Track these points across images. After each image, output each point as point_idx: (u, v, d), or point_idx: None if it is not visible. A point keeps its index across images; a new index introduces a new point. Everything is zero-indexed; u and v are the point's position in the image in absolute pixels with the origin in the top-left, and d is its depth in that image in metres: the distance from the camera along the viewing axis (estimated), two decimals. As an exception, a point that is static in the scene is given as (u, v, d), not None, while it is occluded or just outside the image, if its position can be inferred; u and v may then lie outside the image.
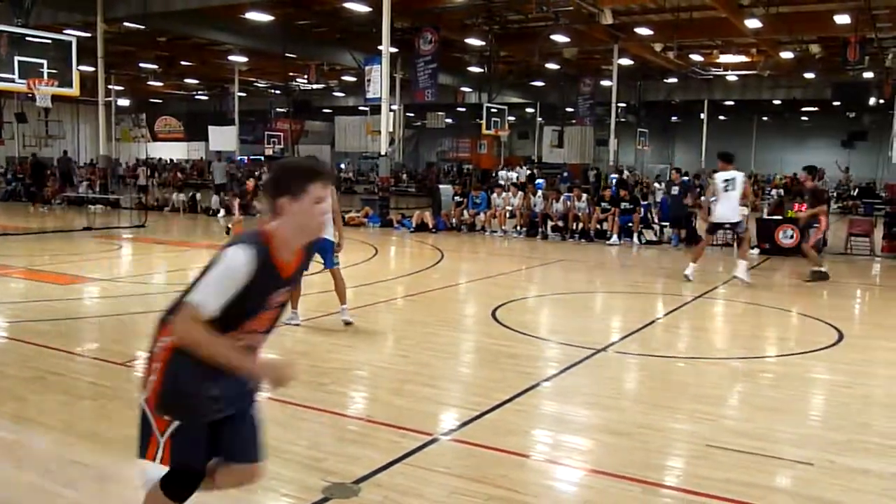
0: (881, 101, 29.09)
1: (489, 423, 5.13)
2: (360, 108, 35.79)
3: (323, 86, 38.59)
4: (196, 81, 43.37)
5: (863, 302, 11.48)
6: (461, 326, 8.71)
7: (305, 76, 35.78)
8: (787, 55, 31.36)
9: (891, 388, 6.26)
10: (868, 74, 31.32)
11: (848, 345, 7.74)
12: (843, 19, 22.87)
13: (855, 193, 32.25)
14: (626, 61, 32.47)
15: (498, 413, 5.32)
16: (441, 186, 23.45)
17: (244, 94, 41.91)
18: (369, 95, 23.07)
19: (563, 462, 4.60)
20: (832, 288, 12.19)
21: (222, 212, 22.61)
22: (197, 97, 47.71)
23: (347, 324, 7.80)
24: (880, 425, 5.29)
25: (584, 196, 18.55)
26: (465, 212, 19.34)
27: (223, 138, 34.83)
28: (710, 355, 7.50)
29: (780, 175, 44.18)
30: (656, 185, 29.78)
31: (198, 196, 25.25)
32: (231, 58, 33.35)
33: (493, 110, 26.63)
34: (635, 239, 17.13)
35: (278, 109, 43.02)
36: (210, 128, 35.41)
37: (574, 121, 38.19)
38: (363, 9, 22.82)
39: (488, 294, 10.66)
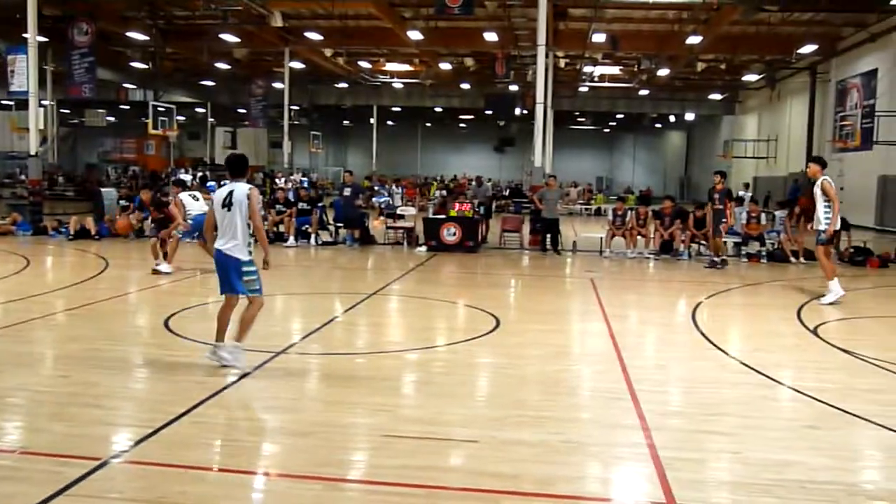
0: (525, 111, 32.69)
1: (165, 439, 4.87)
2: (4, 101, 31.90)
3: (-47, 75, 33.61)
4: None
5: (516, 290, 12.82)
6: (131, 339, 8.13)
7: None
8: (445, 66, 34.02)
9: (542, 366, 7.06)
10: (514, 87, 35.13)
11: (505, 330, 8.60)
12: (491, 36, 25.38)
13: (507, 194, 35.72)
14: (297, 65, 32.79)
15: (174, 427, 5.07)
16: (104, 189, 21.92)
17: None
18: (14, 88, 20.96)
19: (245, 469, 4.51)
20: (490, 279, 13.49)
21: None
22: None
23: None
24: (533, 400, 5.97)
25: (261, 198, 18.33)
26: (131, 217, 18.06)
27: None
28: (387, 349, 7.85)
29: (442, 176, 47.64)
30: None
31: None
32: None
33: (160, 109, 25.46)
34: (312, 240, 17.35)
35: None
36: None
37: (247, 122, 37.72)
38: (4, -9, 20.38)
39: (160, 303, 10.10)
